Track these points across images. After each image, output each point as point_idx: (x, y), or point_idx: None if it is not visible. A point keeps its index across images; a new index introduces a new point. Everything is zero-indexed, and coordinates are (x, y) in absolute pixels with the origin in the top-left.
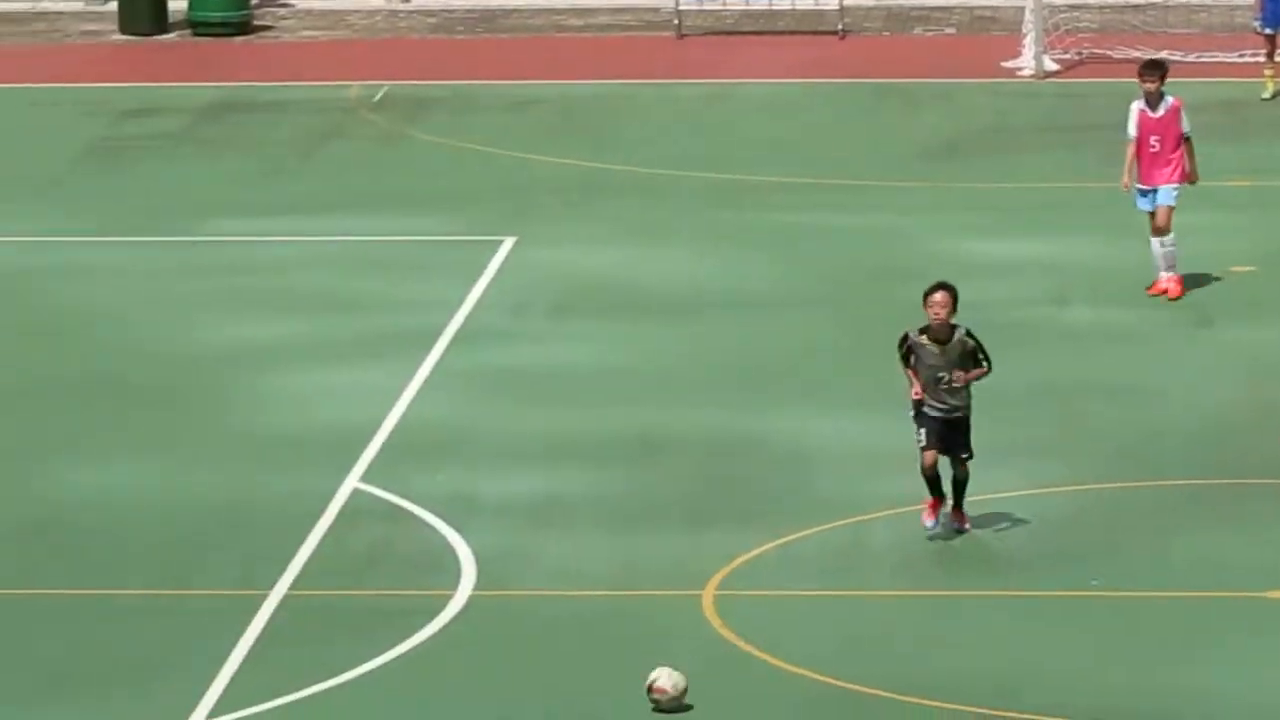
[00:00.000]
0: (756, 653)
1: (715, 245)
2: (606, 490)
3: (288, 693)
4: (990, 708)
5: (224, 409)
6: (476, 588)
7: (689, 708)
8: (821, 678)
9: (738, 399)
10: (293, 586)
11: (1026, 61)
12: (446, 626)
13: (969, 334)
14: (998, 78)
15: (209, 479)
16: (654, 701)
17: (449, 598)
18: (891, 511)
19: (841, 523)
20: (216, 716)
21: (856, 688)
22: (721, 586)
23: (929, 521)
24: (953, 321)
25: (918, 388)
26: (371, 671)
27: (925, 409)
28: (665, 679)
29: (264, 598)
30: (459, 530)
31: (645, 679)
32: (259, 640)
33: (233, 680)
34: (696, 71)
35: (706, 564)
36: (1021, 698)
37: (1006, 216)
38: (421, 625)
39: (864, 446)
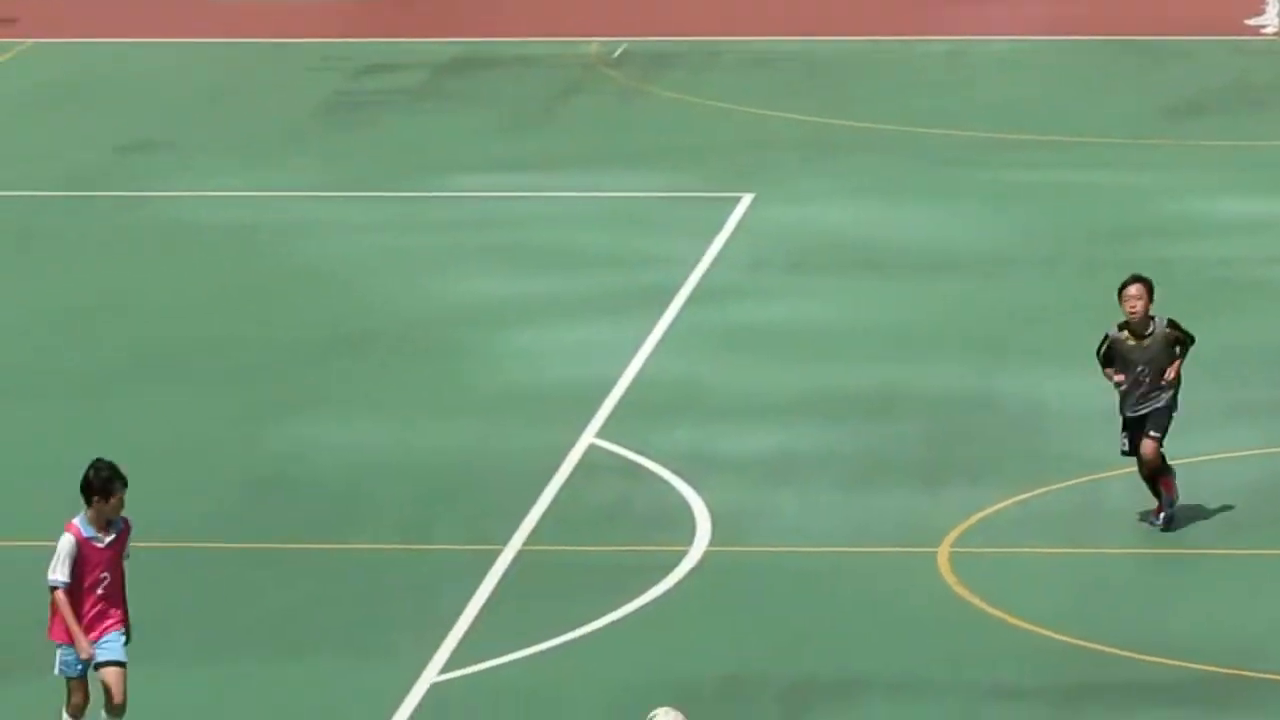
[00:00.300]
0: (991, 610)
1: (954, 202)
2: (843, 447)
3: (522, 648)
4: (1232, 667)
5: (461, 364)
6: (712, 544)
7: None
8: (1057, 635)
9: (974, 356)
10: (528, 542)
11: (1270, 19)
12: (681, 582)
13: (1171, 323)
14: (1240, 35)
15: (444, 434)
16: None
17: (684, 553)
18: (1128, 470)
19: (1078, 480)
20: (451, 670)
21: (1092, 645)
22: (957, 544)
23: (1156, 519)
24: (1151, 313)
25: (1120, 376)
26: (607, 627)
27: (1127, 410)
28: (663, 717)
29: (499, 553)
30: (694, 486)
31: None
32: (493, 595)
33: (467, 635)
34: (937, 28)
35: (942, 521)
36: (1266, 658)
37: (1248, 174)
38: (657, 581)
39: (1100, 406)
